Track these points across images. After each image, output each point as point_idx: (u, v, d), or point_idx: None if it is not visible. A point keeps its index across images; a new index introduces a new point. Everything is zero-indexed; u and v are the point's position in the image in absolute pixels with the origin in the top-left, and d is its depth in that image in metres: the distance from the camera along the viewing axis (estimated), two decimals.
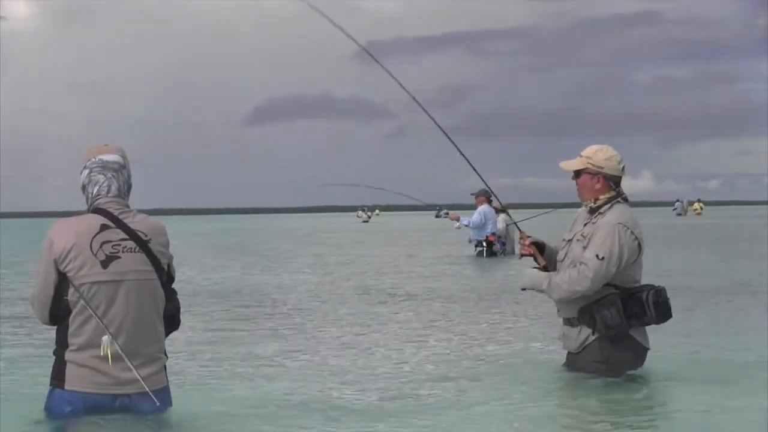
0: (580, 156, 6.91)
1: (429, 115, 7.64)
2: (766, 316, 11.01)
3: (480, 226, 22.94)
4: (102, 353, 5.35)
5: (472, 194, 23.01)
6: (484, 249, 22.94)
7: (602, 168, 6.84)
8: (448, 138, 7.60)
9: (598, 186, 6.84)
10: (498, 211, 23.28)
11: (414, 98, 7.73)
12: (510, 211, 11.19)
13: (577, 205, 7.17)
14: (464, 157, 7.64)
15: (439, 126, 7.64)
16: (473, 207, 23.13)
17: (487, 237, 22.99)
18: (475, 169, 7.71)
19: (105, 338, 5.34)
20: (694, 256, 23.68)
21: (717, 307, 12.16)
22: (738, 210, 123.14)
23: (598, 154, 6.87)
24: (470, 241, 23.64)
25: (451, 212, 24.29)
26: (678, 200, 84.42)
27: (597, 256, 6.60)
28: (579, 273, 6.62)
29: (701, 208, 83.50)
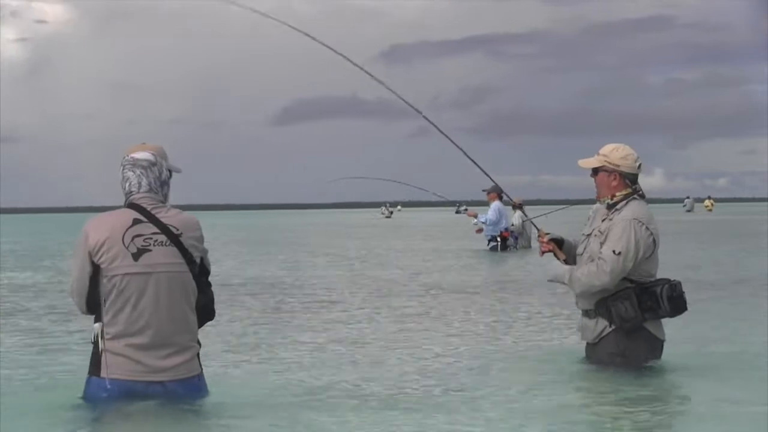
0: (598, 154, 6.90)
1: (435, 126, 7.59)
2: None
3: (496, 222, 22.95)
4: (92, 340, 5.41)
5: (484, 191, 22.98)
6: (498, 244, 22.93)
7: (618, 166, 6.82)
8: (452, 142, 7.61)
9: (614, 183, 6.82)
10: (514, 207, 23.28)
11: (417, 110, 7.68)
12: (526, 208, 11.22)
13: (591, 202, 7.14)
14: (471, 159, 7.67)
15: (442, 132, 7.61)
16: (487, 203, 23.10)
17: (501, 232, 22.98)
18: (483, 170, 7.70)
19: (96, 325, 5.40)
20: (709, 251, 23.50)
21: (732, 300, 12.03)
22: (746, 206, 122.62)
23: (614, 152, 6.85)
24: (478, 232, 23.61)
25: (469, 209, 24.29)
26: (687, 197, 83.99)
27: (614, 251, 6.59)
28: (597, 268, 6.62)
29: (712, 205, 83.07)
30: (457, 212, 24.27)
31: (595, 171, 6.89)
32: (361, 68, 7.47)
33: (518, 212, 23.15)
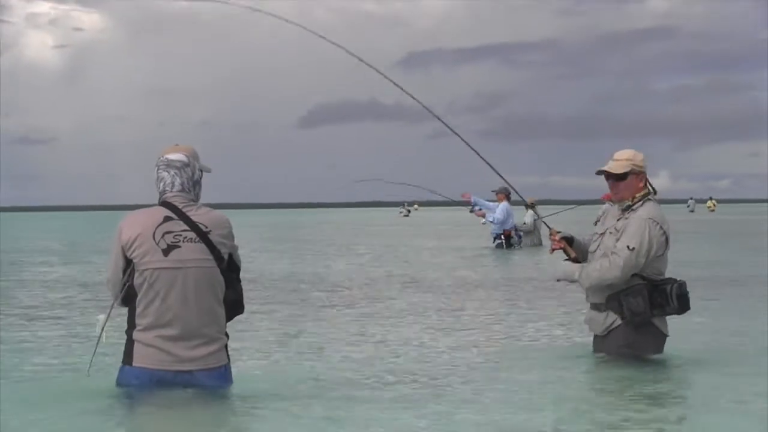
0: (615, 160, 6.87)
1: (451, 129, 7.60)
2: None
3: (502, 222, 23.01)
4: (97, 332, 5.45)
5: (493, 191, 23.15)
6: (503, 241, 23.00)
7: (642, 168, 6.86)
8: (467, 144, 7.61)
9: (641, 185, 6.85)
10: (526, 207, 23.25)
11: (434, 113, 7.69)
12: (537, 207, 11.20)
13: (597, 202, 7.15)
14: (484, 160, 7.66)
15: (458, 135, 7.61)
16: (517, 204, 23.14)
17: (505, 231, 23.04)
18: (496, 171, 7.67)
19: (101, 317, 5.43)
20: (712, 248, 23.38)
21: (733, 297, 11.95)
22: (747, 207, 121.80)
23: (636, 156, 6.88)
24: (489, 226, 23.61)
25: (476, 209, 24.28)
26: (691, 198, 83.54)
27: (628, 246, 6.59)
28: (611, 263, 6.61)
29: (714, 205, 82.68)
30: (471, 211, 24.40)
31: (623, 176, 6.83)
32: (385, 75, 7.47)
33: (530, 211, 23.18)
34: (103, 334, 5.52)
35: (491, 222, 23.19)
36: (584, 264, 6.86)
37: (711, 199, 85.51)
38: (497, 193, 22.88)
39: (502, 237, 22.99)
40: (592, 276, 6.71)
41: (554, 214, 8.40)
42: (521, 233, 23.38)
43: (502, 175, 7.73)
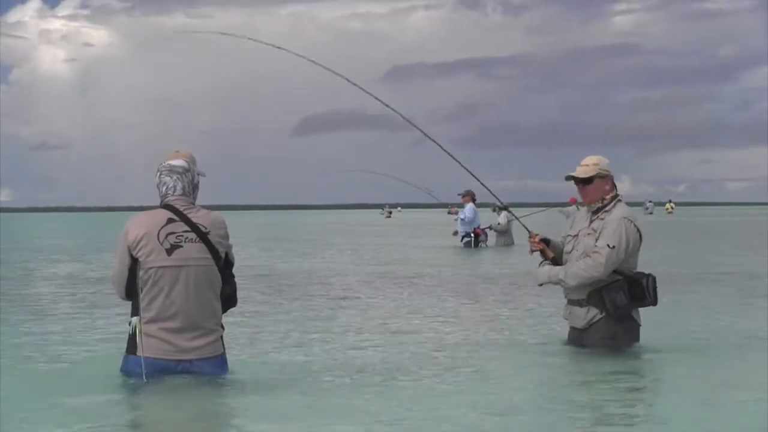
0: (586, 165, 6.86)
1: (433, 140, 7.63)
2: (737, 299, 10.94)
3: (471, 221, 22.91)
4: (130, 332, 5.44)
5: (459, 194, 23.09)
6: (471, 240, 22.83)
7: (608, 172, 6.85)
8: (446, 152, 7.63)
9: (608, 188, 6.83)
10: (500, 209, 23.26)
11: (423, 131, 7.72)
12: (511, 209, 11.18)
13: (565, 205, 7.15)
14: (463, 166, 7.64)
15: (439, 145, 7.62)
16: (488, 207, 23.11)
17: (474, 230, 22.91)
18: (474, 175, 7.64)
19: (134, 319, 5.40)
20: (671, 248, 23.45)
21: (695, 292, 11.97)
22: (702, 210, 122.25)
23: (602, 161, 6.88)
24: (455, 234, 23.52)
25: (452, 208, 24.30)
26: (649, 201, 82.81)
27: (608, 245, 6.58)
28: (594, 261, 6.59)
29: (672, 208, 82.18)
30: (449, 213, 24.36)
31: (590, 180, 6.82)
32: (369, 92, 7.55)
33: (504, 212, 23.17)
34: (138, 330, 5.42)
35: (462, 219, 23.04)
36: (565, 266, 6.78)
37: (670, 201, 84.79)
38: (463, 195, 22.90)
39: (471, 235, 22.83)
40: (578, 275, 6.64)
41: (525, 216, 8.36)
42: (488, 233, 23.25)
43: (480, 179, 7.71)
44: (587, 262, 6.62)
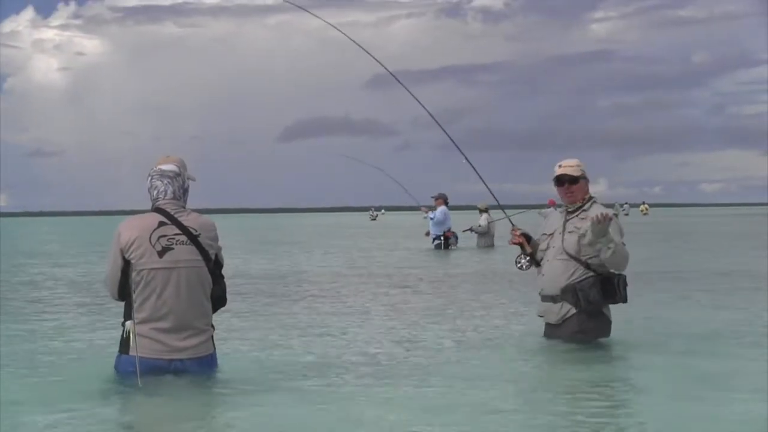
0: (570, 166, 6.95)
1: (446, 133, 7.80)
2: (707, 295, 11.01)
3: (441, 222, 22.65)
4: (124, 335, 5.43)
5: (432, 197, 23.00)
6: (442, 242, 22.66)
7: (586, 173, 6.98)
8: (459, 150, 7.88)
9: (587, 188, 6.97)
10: (481, 211, 23.33)
11: (431, 114, 8.31)
12: (491, 211, 11.24)
13: (544, 206, 7.22)
14: (470, 164, 7.87)
15: (452, 139, 7.93)
16: (471, 209, 23.02)
17: (444, 232, 22.72)
18: (479, 175, 7.83)
19: (128, 323, 5.40)
20: (648, 247, 23.55)
21: (667, 289, 12.01)
22: (677, 211, 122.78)
23: (582, 164, 6.99)
24: (427, 235, 23.41)
25: (423, 207, 24.11)
26: (626, 203, 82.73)
27: (622, 242, 6.68)
28: (626, 251, 6.65)
29: (647, 209, 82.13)
30: (425, 217, 24.15)
31: (575, 180, 6.90)
32: (413, 95, 7.86)
33: (485, 215, 23.20)
34: (132, 334, 5.41)
35: (431, 219, 22.83)
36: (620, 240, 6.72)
37: (644, 203, 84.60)
38: (435, 198, 22.86)
39: (442, 238, 22.66)
40: (623, 254, 6.61)
41: (503, 218, 8.40)
42: (458, 236, 23.11)
43: (487, 184, 7.90)
44: (627, 250, 6.65)
